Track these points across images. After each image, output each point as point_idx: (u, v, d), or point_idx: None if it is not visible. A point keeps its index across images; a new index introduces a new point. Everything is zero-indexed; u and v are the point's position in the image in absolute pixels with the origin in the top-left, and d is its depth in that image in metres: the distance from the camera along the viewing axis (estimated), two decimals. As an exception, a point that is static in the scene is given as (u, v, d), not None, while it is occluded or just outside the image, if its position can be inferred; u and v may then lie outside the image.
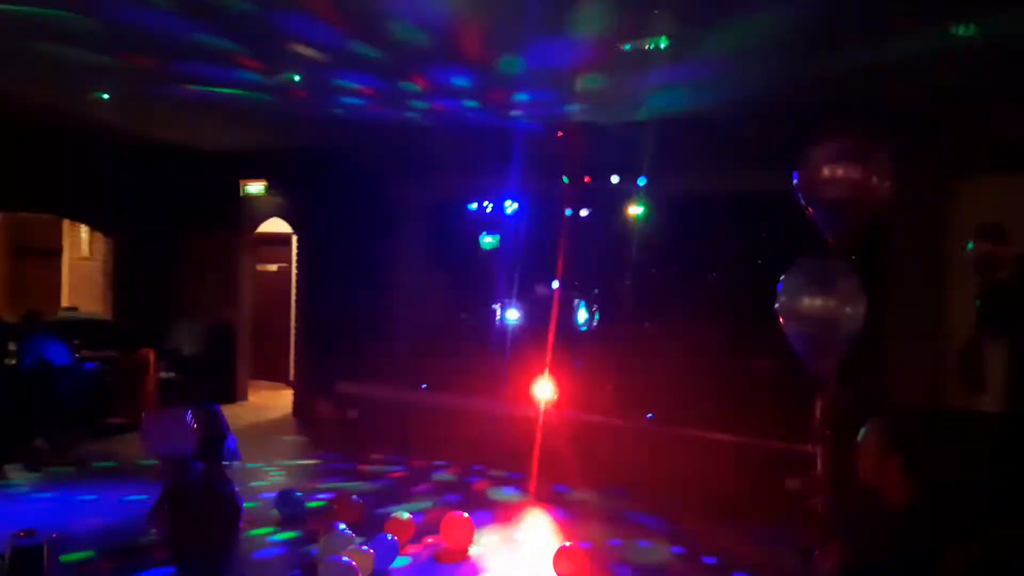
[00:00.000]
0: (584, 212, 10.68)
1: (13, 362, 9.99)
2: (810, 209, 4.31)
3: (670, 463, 8.59)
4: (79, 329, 11.62)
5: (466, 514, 7.01)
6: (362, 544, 6.03)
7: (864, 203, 4.08)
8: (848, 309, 4.15)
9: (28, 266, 14.27)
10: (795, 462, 7.25)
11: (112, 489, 8.18)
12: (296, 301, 12.94)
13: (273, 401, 12.94)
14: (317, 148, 11.59)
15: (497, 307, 11.70)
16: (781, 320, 4.37)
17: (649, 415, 9.03)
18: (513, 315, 11.55)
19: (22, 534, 3.95)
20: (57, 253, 14.58)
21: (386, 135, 10.13)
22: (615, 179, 10.05)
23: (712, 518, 7.80)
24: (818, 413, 4.43)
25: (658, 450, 8.72)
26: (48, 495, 7.90)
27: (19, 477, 8.54)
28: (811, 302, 4.15)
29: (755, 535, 7.32)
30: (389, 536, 6.34)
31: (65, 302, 14.06)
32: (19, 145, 10.98)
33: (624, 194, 10.09)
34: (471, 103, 8.34)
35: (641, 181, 9.85)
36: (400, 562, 6.33)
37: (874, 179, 4.08)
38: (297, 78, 7.67)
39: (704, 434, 8.54)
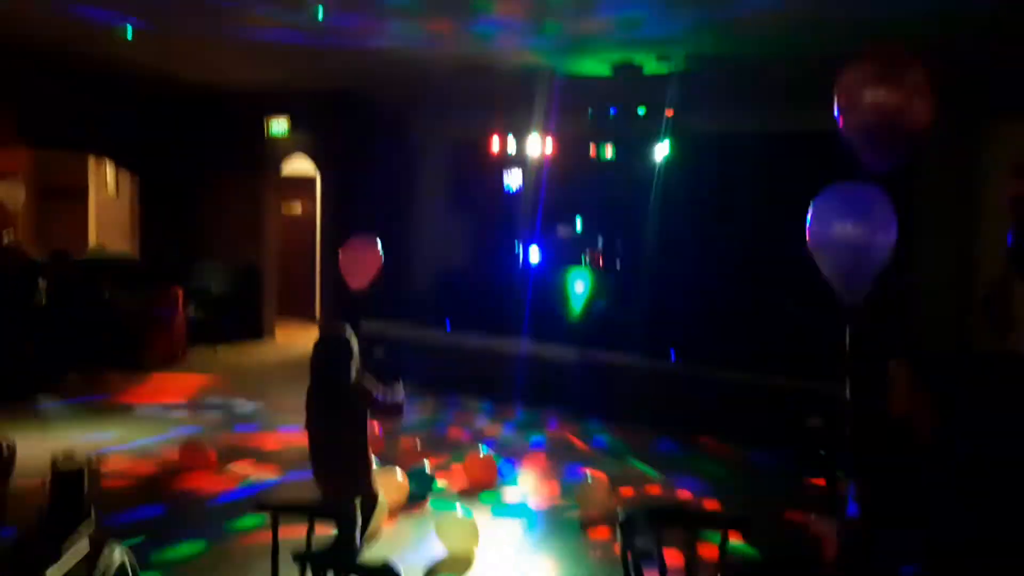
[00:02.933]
0: (609, 150, 10.57)
1: (44, 299, 10.15)
2: (848, 135, 4.21)
3: (694, 402, 8.64)
4: (107, 268, 11.76)
5: (489, 452, 7.13)
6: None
7: (902, 126, 3.98)
8: (880, 236, 4.09)
9: (55, 206, 14.37)
10: (817, 401, 7.28)
11: (140, 422, 8.39)
12: (321, 241, 12.99)
13: (300, 339, 13.05)
14: (341, 87, 11.53)
15: (520, 247, 11.67)
16: (810, 247, 4.31)
17: (671, 352, 9.05)
18: (536, 255, 11.53)
19: (61, 457, 4.01)
20: (83, 193, 14.67)
21: (409, 73, 10.05)
22: (642, 113, 9.93)
23: (734, 455, 7.90)
24: (847, 343, 4.42)
25: (682, 389, 8.76)
26: (80, 427, 8.09)
27: (52, 410, 8.72)
28: (843, 228, 4.08)
29: (778, 472, 7.41)
30: (426, 467, 6.53)
31: (92, 242, 14.18)
32: (44, 83, 11.01)
33: (651, 132, 9.97)
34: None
35: (668, 118, 9.73)
36: (436, 489, 6.50)
37: (913, 100, 3.98)
38: (321, 16, 7.59)
39: (727, 373, 8.56)
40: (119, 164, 13.57)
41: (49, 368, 9.63)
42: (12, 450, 4.27)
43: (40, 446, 6.25)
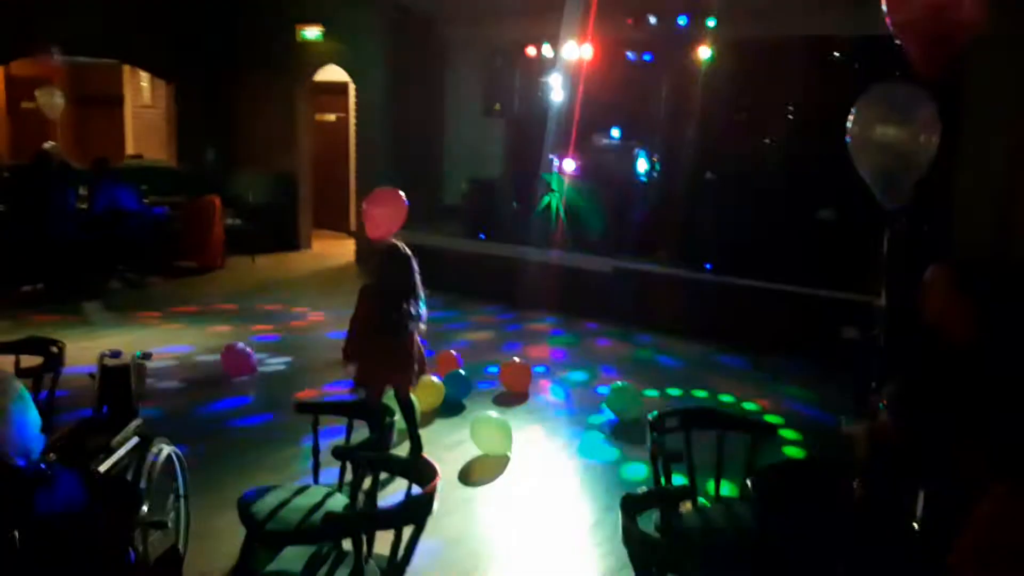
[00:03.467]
0: (648, 56, 10.30)
1: (84, 206, 10.31)
2: (897, 33, 4.03)
3: (729, 312, 8.64)
4: (145, 176, 11.88)
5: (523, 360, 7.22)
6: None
7: (953, 23, 3.79)
8: (923, 138, 3.97)
9: (91, 114, 14.43)
10: (853, 311, 7.24)
11: (182, 326, 8.60)
12: (356, 150, 12.95)
13: (336, 250, 13.17)
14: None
15: (555, 157, 11.51)
16: (851, 149, 4.19)
17: (707, 265, 9.00)
18: (570, 165, 11.36)
19: (109, 352, 4.12)
20: (119, 101, 14.70)
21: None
22: (682, 21, 9.62)
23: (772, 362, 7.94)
24: (885, 248, 4.35)
25: (718, 299, 8.76)
26: (123, 331, 8.30)
27: (96, 315, 8.94)
28: (884, 130, 3.97)
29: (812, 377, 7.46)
30: (462, 371, 6.65)
31: (130, 150, 14.27)
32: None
33: (691, 37, 9.67)
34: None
35: (710, 23, 9.41)
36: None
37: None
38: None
39: (763, 284, 8.52)
40: (151, 71, 13.55)
41: (92, 273, 9.85)
42: (61, 348, 4.41)
43: (86, 347, 6.44)
